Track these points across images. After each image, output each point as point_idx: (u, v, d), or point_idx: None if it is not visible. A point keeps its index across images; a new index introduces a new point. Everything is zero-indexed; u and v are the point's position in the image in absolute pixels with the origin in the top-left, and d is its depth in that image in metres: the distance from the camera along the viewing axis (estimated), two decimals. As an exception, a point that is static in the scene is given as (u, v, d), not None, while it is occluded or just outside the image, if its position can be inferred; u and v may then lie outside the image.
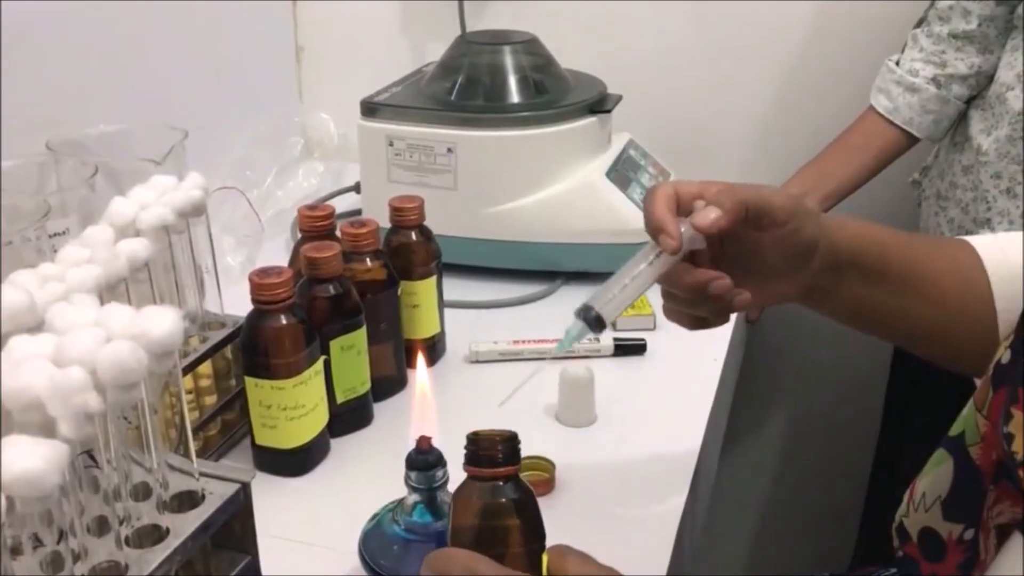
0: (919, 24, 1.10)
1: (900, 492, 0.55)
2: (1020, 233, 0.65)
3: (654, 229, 0.60)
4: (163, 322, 0.42)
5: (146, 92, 1.04)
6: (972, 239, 0.65)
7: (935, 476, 0.51)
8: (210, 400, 0.74)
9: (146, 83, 1.05)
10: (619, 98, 1.06)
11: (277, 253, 1.07)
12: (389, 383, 0.83)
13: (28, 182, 0.75)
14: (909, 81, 1.09)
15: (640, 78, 1.23)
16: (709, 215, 0.58)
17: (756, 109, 1.30)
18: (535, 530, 0.52)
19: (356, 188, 1.16)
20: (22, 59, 0.88)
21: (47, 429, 0.38)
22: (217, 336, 0.74)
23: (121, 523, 0.46)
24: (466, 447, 0.51)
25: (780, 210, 0.59)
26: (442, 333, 0.90)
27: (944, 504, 0.50)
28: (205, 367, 0.73)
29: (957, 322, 0.63)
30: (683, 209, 0.60)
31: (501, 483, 0.51)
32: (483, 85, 1.04)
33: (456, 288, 0.98)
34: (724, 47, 1.28)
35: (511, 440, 0.51)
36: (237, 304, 0.77)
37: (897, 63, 1.11)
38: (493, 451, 0.50)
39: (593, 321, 0.60)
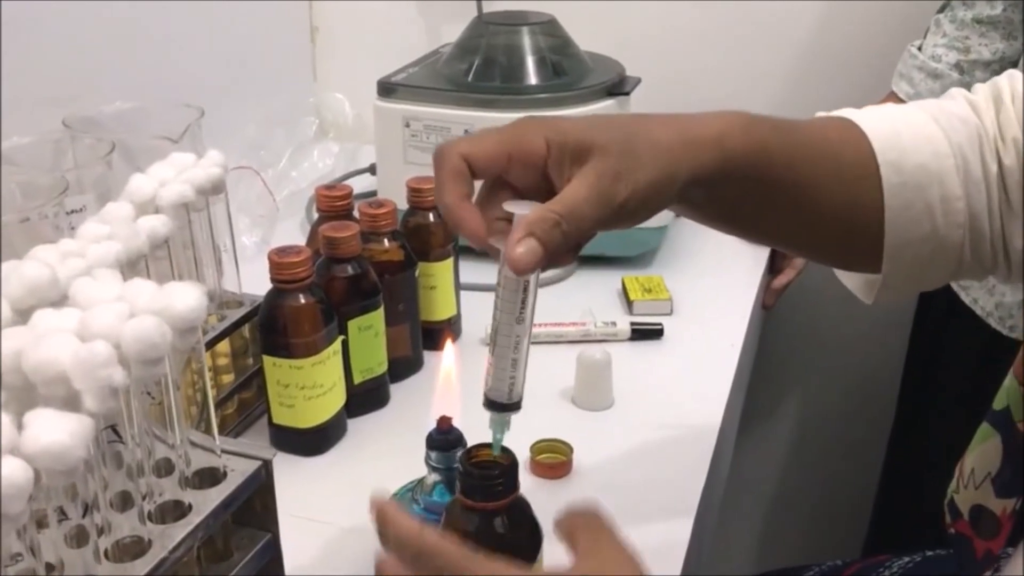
0: (942, 9, 1.09)
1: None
2: (921, 127, 0.57)
3: (447, 220, 0.50)
4: (187, 298, 0.42)
5: (161, 70, 1.04)
6: (873, 134, 0.58)
7: (982, 452, 0.50)
8: (227, 379, 0.74)
9: (161, 61, 1.05)
10: (638, 81, 1.05)
11: (291, 234, 1.07)
12: (406, 364, 0.82)
13: (44, 159, 0.74)
14: (931, 67, 1.08)
15: (659, 61, 1.21)
16: (528, 256, 0.46)
17: (774, 94, 1.29)
18: (529, 545, 0.50)
19: (371, 169, 1.15)
20: (38, 36, 0.88)
21: (72, 403, 0.38)
22: (235, 315, 0.73)
23: (144, 498, 0.46)
24: (460, 473, 0.49)
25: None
26: (458, 315, 0.89)
27: (995, 481, 0.49)
28: (223, 345, 0.73)
29: (837, 228, 0.57)
30: (480, 177, 0.50)
31: (496, 513, 0.49)
32: (500, 66, 1.03)
33: (473, 271, 0.97)
34: (743, 30, 1.27)
35: (510, 469, 0.49)
36: (252, 284, 0.77)
37: (919, 48, 1.10)
38: (491, 483, 0.48)
39: (502, 409, 0.54)
